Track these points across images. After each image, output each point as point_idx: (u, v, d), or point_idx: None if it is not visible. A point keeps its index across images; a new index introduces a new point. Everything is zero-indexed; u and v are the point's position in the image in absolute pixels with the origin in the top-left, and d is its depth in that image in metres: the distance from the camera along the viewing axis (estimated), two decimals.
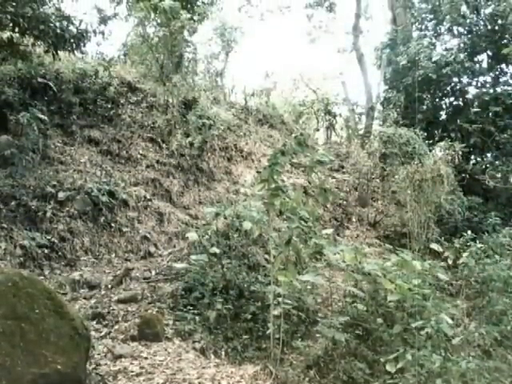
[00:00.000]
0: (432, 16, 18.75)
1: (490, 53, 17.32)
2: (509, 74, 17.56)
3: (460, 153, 13.22)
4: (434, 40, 18.52)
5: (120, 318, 6.56)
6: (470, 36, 17.55)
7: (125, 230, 9.44)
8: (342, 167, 16.23)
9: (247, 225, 7.12)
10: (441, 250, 8.69)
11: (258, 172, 13.27)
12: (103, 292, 7.42)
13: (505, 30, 16.48)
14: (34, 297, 4.38)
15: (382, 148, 13.99)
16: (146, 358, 5.53)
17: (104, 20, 12.96)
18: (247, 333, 6.66)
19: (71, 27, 10.34)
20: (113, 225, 9.38)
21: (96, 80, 12.88)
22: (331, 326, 6.34)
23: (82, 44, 10.72)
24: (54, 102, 11.62)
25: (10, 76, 11.21)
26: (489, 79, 17.69)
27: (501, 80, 17.63)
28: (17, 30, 9.77)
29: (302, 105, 21.95)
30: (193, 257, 7.38)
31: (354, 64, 22.02)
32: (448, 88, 17.55)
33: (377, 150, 14.06)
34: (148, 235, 9.64)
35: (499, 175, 15.61)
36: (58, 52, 10.59)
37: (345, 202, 13.91)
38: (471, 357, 6.18)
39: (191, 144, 12.57)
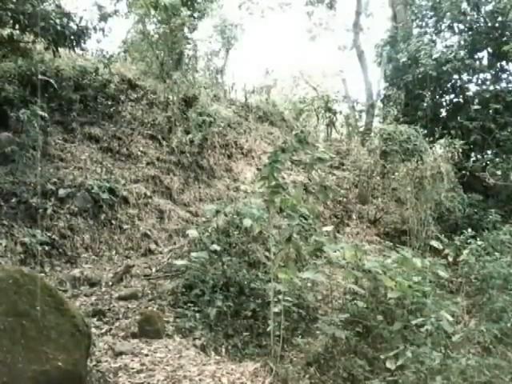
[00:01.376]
0: (432, 13, 18.72)
1: (490, 50, 17.30)
2: (509, 72, 17.56)
3: (460, 150, 13.25)
4: (434, 37, 18.52)
5: (120, 315, 6.57)
6: (470, 33, 17.52)
7: (125, 227, 9.45)
8: (343, 164, 16.23)
9: (247, 222, 7.14)
10: (441, 247, 8.71)
11: (258, 169, 13.28)
12: (104, 289, 7.42)
13: (505, 27, 16.46)
14: (35, 294, 4.38)
15: (382, 145, 14.01)
16: (146, 355, 5.53)
17: (104, 17, 12.93)
18: (247, 330, 6.67)
19: (71, 24, 10.34)
20: (113, 222, 9.39)
21: (96, 77, 12.88)
22: (331, 323, 6.35)
23: (82, 41, 10.72)
24: (54, 99, 11.61)
25: (11, 73, 11.22)
26: (489, 76, 17.70)
27: (501, 77, 17.64)
28: (17, 27, 9.77)
29: (302, 102, 21.94)
30: (193, 254, 7.39)
31: (354, 61, 22.08)
32: (448, 85, 17.56)
33: (377, 148, 14.08)
34: (148, 232, 9.64)
35: (499, 172, 15.63)
36: (59, 49, 10.58)
37: (345, 200, 13.92)
38: (471, 354, 6.20)
39: (191, 141, 12.57)
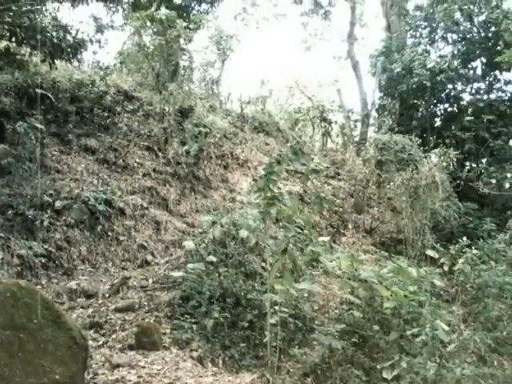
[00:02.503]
0: (426, 23, 18.89)
1: (483, 60, 17.46)
2: (502, 81, 17.72)
3: (455, 159, 13.32)
4: (428, 47, 18.69)
5: (117, 327, 6.57)
6: (463, 43, 17.69)
7: (122, 238, 9.46)
8: (338, 174, 16.28)
9: (244, 233, 7.14)
10: (436, 256, 8.76)
11: (254, 180, 13.32)
12: (100, 301, 7.42)
13: (498, 37, 16.59)
14: (32, 307, 4.39)
15: (377, 155, 14.07)
16: (143, 367, 5.53)
17: (100, 29, 13.03)
18: (244, 341, 6.68)
19: (68, 37, 10.42)
20: (110, 233, 9.40)
21: (92, 89, 12.92)
22: (328, 334, 6.38)
23: (78, 53, 10.79)
24: (50, 111, 11.65)
25: (7, 85, 11.26)
26: (483, 86, 17.85)
27: (494, 86, 17.78)
28: (14, 39, 9.85)
29: (297, 112, 22.00)
30: (190, 265, 7.39)
31: (349, 71, 22.16)
32: (442, 95, 17.69)
33: (372, 157, 14.14)
34: (145, 244, 9.65)
35: (494, 181, 15.68)
36: (55, 61, 10.65)
37: (341, 209, 13.95)
38: (466, 363, 6.21)
39: (187, 152, 12.61)
